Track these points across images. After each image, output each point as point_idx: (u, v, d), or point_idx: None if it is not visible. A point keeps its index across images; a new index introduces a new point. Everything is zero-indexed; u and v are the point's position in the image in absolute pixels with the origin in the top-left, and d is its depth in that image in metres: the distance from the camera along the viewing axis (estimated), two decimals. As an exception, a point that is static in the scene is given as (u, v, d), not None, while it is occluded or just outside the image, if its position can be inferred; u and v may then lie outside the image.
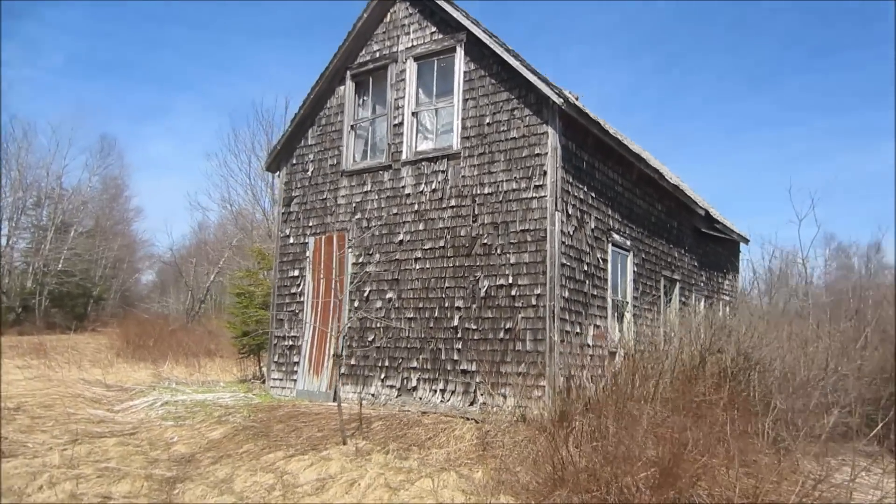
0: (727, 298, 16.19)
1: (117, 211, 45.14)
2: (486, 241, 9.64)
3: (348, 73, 11.74)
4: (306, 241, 11.98)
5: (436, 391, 9.82)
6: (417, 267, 10.32)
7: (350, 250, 11.21)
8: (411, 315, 10.26)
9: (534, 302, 9.07)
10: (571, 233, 9.51)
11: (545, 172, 9.21)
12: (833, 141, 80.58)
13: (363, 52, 11.60)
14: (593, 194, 10.22)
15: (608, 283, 10.51)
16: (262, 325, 14.03)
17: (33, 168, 37.54)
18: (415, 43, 10.91)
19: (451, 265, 9.98)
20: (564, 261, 9.24)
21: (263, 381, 13.27)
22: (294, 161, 12.49)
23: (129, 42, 77.02)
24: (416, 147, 10.84)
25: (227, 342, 18.33)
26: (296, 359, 11.73)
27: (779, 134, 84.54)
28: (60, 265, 35.73)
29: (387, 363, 10.43)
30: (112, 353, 19.79)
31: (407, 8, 11.05)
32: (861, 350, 8.98)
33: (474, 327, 9.57)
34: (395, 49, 11.16)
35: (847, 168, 74.29)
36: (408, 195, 10.64)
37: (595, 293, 10.09)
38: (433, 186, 10.35)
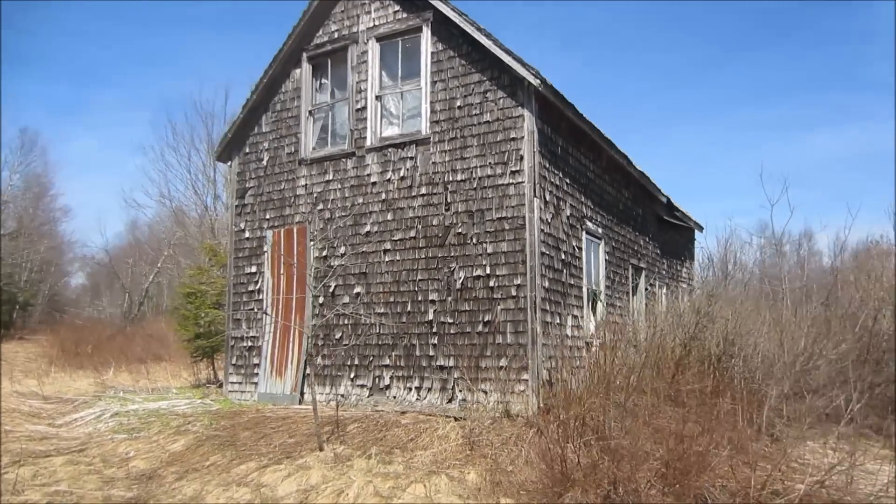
0: (685, 286, 16.27)
1: (42, 211, 42.15)
2: (460, 230, 9.19)
3: (304, 55, 11.05)
4: (264, 234, 11.24)
5: (411, 389, 9.33)
6: (387, 259, 9.78)
7: (312, 243, 10.56)
8: (382, 310, 9.71)
9: (514, 293, 8.68)
10: (549, 220, 9.16)
11: (522, 157, 8.82)
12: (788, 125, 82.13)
13: (320, 32, 10.93)
14: (568, 180, 9.90)
15: (583, 271, 10.23)
16: (217, 325, 13.18)
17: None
18: (377, 23, 10.32)
19: (423, 256, 9.48)
20: (544, 249, 8.88)
21: (220, 386, 12.46)
22: (247, 150, 11.70)
23: (42, 35, 72.35)
24: (381, 133, 10.27)
25: (174, 345, 17.25)
26: (256, 360, 11.00)
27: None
28: (-20, 270, 33.28)
29: (356, 361, 9.86)
30: (45, 361, 18.44)
31: (368, -14, 10.44)
32: (836, 335, 8.98)
33: (451, 321, 9.11)
34: (355, 29, 10.54)
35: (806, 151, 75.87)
36: (374, 183, 10.07)
37: (572, 282, 9.79)
38: (401, 174, 9.82)
